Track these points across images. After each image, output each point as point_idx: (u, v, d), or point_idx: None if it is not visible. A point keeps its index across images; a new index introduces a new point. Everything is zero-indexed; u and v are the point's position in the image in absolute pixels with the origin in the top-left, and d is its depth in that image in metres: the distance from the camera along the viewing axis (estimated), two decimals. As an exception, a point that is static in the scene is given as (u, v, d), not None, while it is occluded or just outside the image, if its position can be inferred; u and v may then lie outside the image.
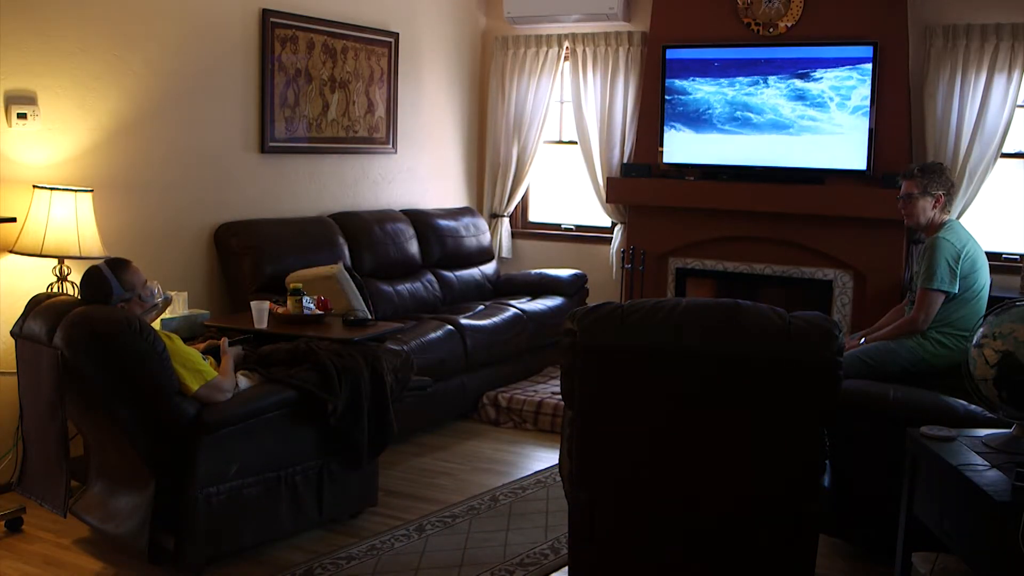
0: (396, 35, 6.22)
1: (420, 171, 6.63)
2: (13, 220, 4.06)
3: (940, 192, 4.31)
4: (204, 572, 3.47)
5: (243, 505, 3.51)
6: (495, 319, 5.68)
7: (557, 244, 7.13)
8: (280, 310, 4.32)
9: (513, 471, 4.69)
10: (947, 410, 3.33)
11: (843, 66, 5.75)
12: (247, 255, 4.96)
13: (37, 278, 4.14)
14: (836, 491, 2.99)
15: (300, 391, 3.64)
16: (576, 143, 6.80)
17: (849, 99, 5.76)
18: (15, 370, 3.69)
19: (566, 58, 6.82)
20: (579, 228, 7.11)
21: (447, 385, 5.22)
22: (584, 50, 6.65)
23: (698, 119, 6.15)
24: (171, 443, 3.36)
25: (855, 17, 5.80)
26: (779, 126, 5.95)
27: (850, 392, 3.46)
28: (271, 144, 5.35)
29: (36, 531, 3.81)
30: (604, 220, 6.86)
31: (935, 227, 4.31)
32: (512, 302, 6.05)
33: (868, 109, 5.70)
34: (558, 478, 4.07)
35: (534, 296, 6.29)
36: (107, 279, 3.50)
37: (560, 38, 6.75)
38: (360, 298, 4.73)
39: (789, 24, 5.98)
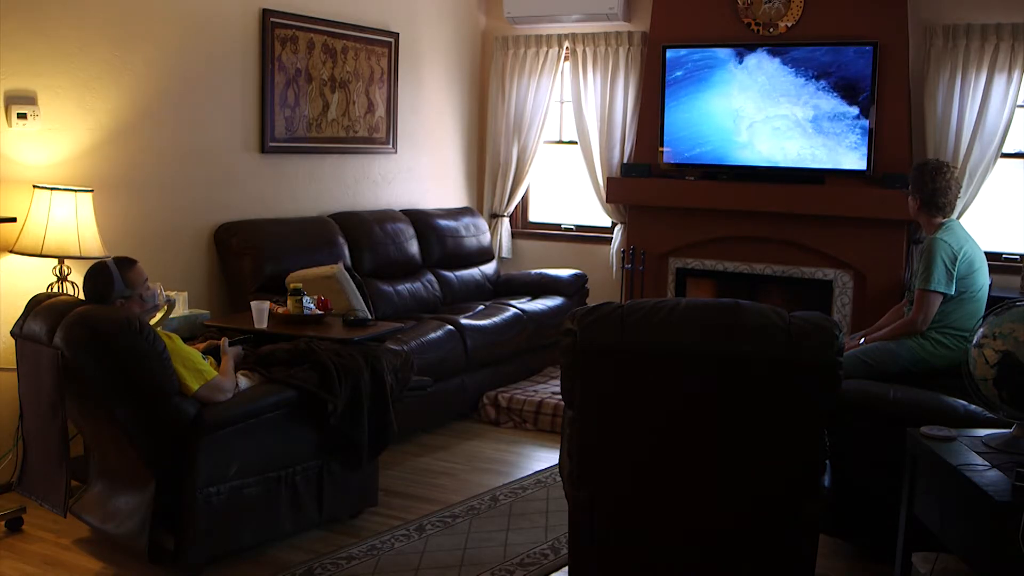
0: (396, 35, 6.22)
1: (420, 171, 6.63)
2: (13, 220, 4.06)
3: (917, 195, 4.29)
4: (204, 572, 3.47)
5: (243, 505, 3.51)
6: (495, 319, 5.68)
7: (557, 244, 7.13)
8: (280, 310, 4.32)
9: (513, 471, 4.69)
10: (947, 410, 3.33)
11: (843, 66, 5.75)
12: (247, 255, 4.96)
13: (37, 278, 4.14)
14: (836, 491, 2.99)
15: (300, 391, 3.64)
16: (576, 143, 6.80)
17: (849, 99, 5.76)
18: (15, 370, 3.69)
19: (566, 58, 6.82)
20: (579, 228, 7.11)
21: (447, 385, 5.22)
22: (584, 50, 6.65)
23: (698, 118, 6.16)
24: (171, 443, 3.36)
25: (855, 17, 5.80)
26: (779, 126, 5.95)
27: (850, 392, 3.47)
28: (271, 144, 5.36)
29: (36, 531, 3.81)
30: (604, 220, 6.86)
31: (933, 227, 4.30)
32: (512, 302, 6.05)
33: (868, 109, 5.70)
34: (558, 478, 4.07)
35: (534, 296, 6.29)
36: (111, 273, 3.51)
37: (560, 38, 6.75)
38: (360, 298, 4.73)
39: (789, 24, 5.98)
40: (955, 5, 5.64)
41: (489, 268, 6.64)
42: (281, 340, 4.02)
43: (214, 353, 3.75)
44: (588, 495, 2.92)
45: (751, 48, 6.00)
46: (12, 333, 3.64)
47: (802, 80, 5.86)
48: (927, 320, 4.16)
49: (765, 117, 5.97)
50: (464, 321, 5.46)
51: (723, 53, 6.04)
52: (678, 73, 6.16)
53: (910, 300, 4.38)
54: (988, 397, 2.92)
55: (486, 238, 6.72)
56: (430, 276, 6.09)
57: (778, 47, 5.94)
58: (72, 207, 4.06)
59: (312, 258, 5.08)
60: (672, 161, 6.25)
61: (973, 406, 3.31)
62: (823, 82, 5.81)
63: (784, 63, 5.90)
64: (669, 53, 6.18)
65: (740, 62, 6.01)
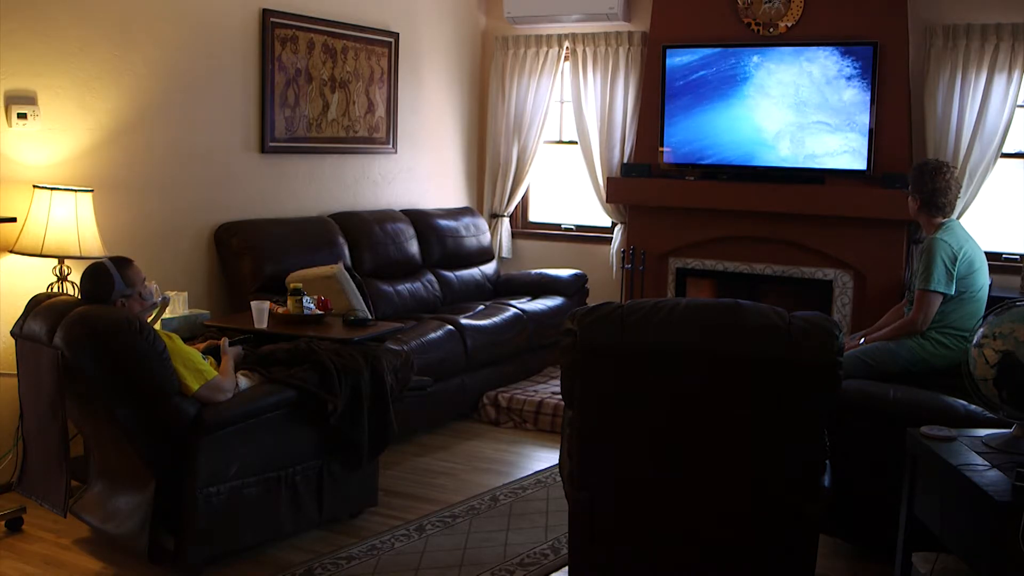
0: (396, 35, 6.22)
1: (420, 171, 6.63)
2: (13, 220, 4.06)
3: (916, 195, 4.29)
4: (204, 572, 3.47)
5: (243, 505, 3.51)
6: (495, 319, 5.68)
7: (557, 244, 7.13)
8: (280, 310, 4.32)
9: (513, 471, 4.69)
10: (947, 410, 3.34)
11: (843, 66, 5.76)
12: (247, 255, 4.96)
13: (37, 278, 4.14)
14: (836, 491, 2.99)
15: (300, 391, 3.64)
16: (576, 143, 6.80)
17: (849, 99, 5.76)
18: (15, 370, 3.69)
19: (566, 58, 6.82)
20: (579, 228, 7.11)
21: (447, 385, 5.22)
22: (584, 50, 6.65)
23: (697, 117, 6.16)
24: (171, 443, 3.36)
25: (855, 17, 5.80)
26: (779, 126, 5.94)
27: (850, 392, 3.47)
28: (271, 144, 5.36)
29: (36, 531, 3.81)
30: (604, 220, 6.86)
31: (933, 227, 4.30)
32: (512, 302, 6.05)
33: (868, 109, 5.70)
34: (558, 478, 4.07)
35: (534, 296, 6.29)
36: (110, 273, 3.51)
37: (560, 38, 6.75)
38: (360, 298, 4.73)
39: (789, 24, 5.98)
40: (955, 5, 5.64)
41: (489, 268, 6.64)
42: (281, 340, 4.02)
43: (214, 353, 3.75)
44: (588, 495, 2.92)
45: (751, 48, 5.99)
46: (12, 333, 3.64)
47: (801, 80, 5.86)
48: (927, 320, 4.16)
49: (765, 117, 5.97)
50: (464, 321, 5.46)
51: (748, 52, 6.00)
52: (702, 73, 6.12)
53: (910, 300, 4.38)
54: (988, 397, 2.92)
55: (486, 238, 6.72)
56: (430, 276, 6.09)
57: (778, 47, 5.93)
58: (72, 207, 4.06)
59: (312, 258, 5.08)
60: (685, 162, 6.23)
61: (973, 406, 3.31)
62: (822, 82, 5.80)
63: (783, 63, 5.89)
64: (688, 52, 6.14)
65: (763, 61, 5.97)
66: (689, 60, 6.13)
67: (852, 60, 5.72)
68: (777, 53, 5.92)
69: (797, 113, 5.89)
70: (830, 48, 5.79)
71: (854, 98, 5.74)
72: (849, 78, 5.74)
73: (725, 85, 6.05)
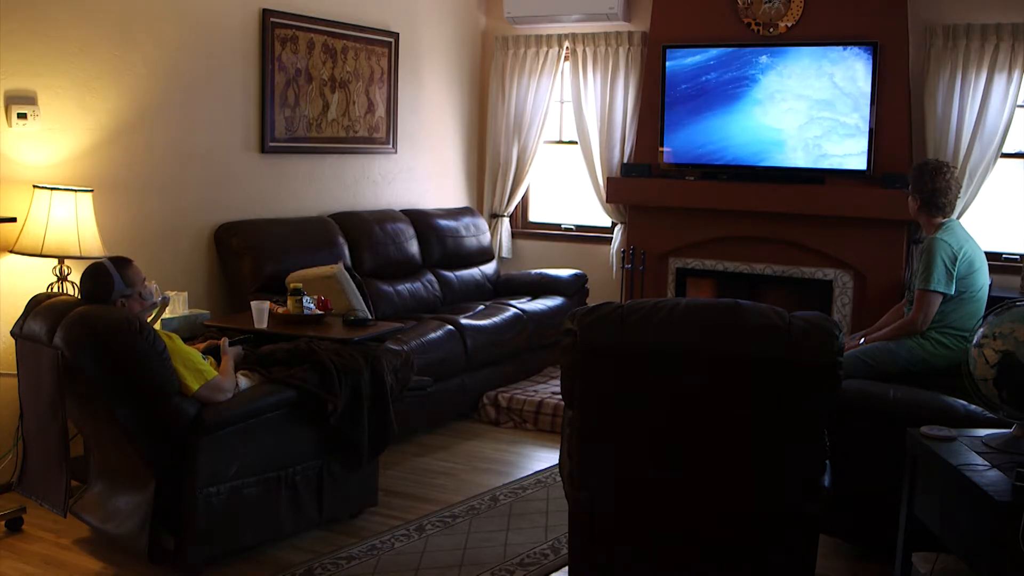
0: (396, 35, 6.22)
1: (420, 171, 6.63)
2: (13, 220, 4.06)
3: (916, 195, 4.30)
4: (204, 572, 3.47)
5: (243, 505, 3.51)
6: (495, 319, 5.68)
7: (557, 244, 7.13)
8: (280, 310, 4.32)
9: (513, 471, 4.69)
10: (947, 410, 3.34)
11: (843, 66, 5.75)
12: (247, 255, 4.96)
13: (37, 278, 4.14)
14: (836, 491, 2.99)
15: (300, 391, 3.64)
16: (576, 143, 6.80)
17: (849, 99, 5.75)
18: (15, 370, 3.70)
19: (566, 58, 6.82)
20: (579, 228, 7.11)
21: (447, 385, 5.22)
22: (584, 50, 6.65)
23: (698, 117, 6.15)
24: (171, 443, 3.36)
25: (855, 17, 5.80)
26: (779, 126, 5.94)
27: (850, 392, 3.47)
28: (271, 144, 5.36)
29: (36, 531, 3.81)
30: (604, 220, 6.86)
31: (933, 227, 4.30)
32: (512, 302, 6.05)
33: (868, 109, 5.70)
34: (558, 478, 4.07)
35: (534, 296, 6.29)
36: (110, 274, 3.51)
37: (560, 38, 6.75)
38: (360, 298, 4.73)
39: (789, 24, 5.98)
40: (955, 5, 5.64)
41: (489, 268, 6.64)
42: (281, 340, 4.02)
43: (214, 353, 3.75)
44: (588, 495, 2.92)
45: (751, 48, 5.99)
46: (12, 333, 3.64)
47: (801, 80, 5.85)
48: (927, 320, 4.16)
49: (765, 116, 5.96)
50: (464, 321, 5.46)
51: (754, 52, 5.97)
52: (711, 75, 6.10)
53: (910, 300, 4.38)
54: (988, 397, 2.92)
55: (486, 238, 6.72)
56: (430, 276, 6.09)
57: (778, 47, 5.93)
58: (72, 207, 4.06)
59: (312, 258, 5.08)
60: (691, 163, 6.23)
61: (973, 406, 3.31)
62: (823, 82, 5.80)
63: (783, 63, 5.89)
64: (692, 53, 6.13)
65: (773, 61, 5.94)
66: (696, 62, 6.13)
67: (851, 60, 5.69)
68: (793, 53, 5.87)
69: (813, 116, 5.86)
70: (829, 48, 5.77)
71: (853, 98, 5.73)
72: (848, 78, 5.71)
73: (735, 88, 6.03)
